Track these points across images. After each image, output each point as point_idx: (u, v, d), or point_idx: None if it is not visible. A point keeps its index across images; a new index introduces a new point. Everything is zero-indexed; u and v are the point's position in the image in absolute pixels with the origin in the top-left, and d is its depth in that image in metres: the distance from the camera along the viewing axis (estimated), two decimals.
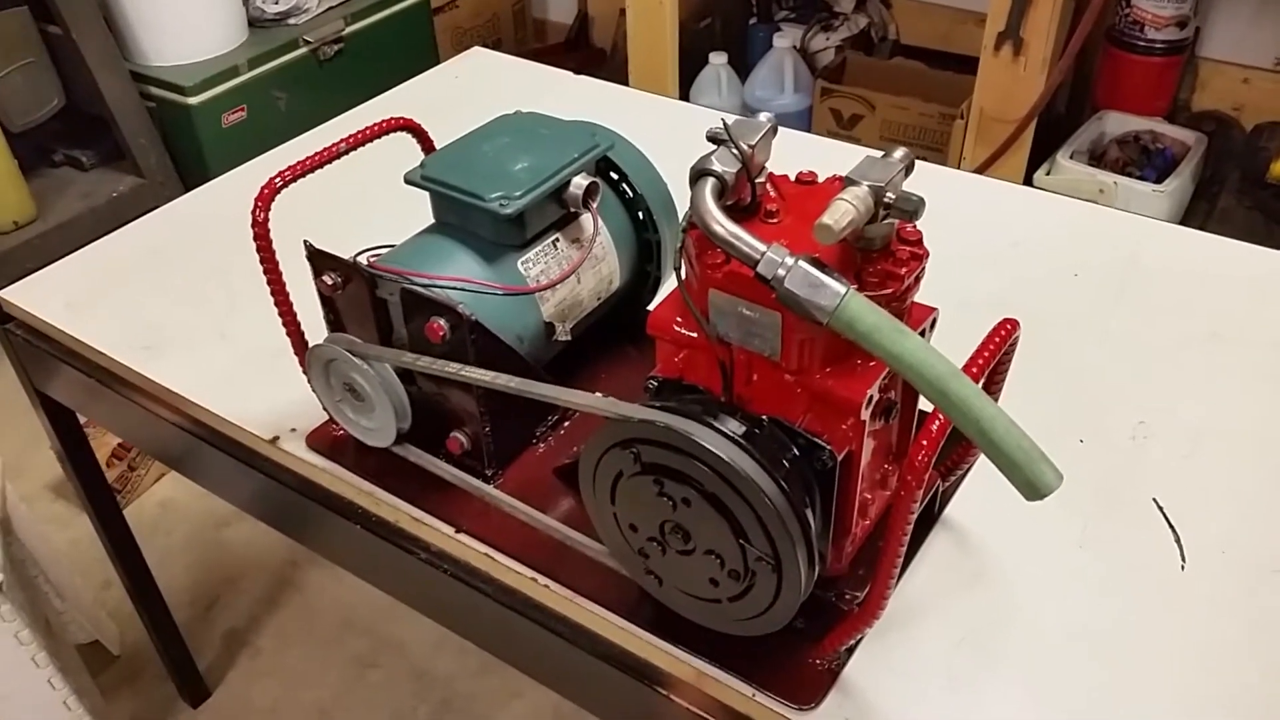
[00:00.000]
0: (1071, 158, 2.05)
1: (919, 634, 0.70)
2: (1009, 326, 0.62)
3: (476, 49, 1.54)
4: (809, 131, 2.29)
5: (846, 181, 0.55)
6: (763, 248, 0.53)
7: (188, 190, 2.07)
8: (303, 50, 2.17)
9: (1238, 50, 2.20)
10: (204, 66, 2.05)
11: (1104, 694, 0.66)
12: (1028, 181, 2.03)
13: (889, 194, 0.55)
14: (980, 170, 1.98)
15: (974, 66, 2.11)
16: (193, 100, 2.02)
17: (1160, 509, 0.78)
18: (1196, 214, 2.05)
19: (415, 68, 2.54)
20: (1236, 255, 1.07)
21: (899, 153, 0.58)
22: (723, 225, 0.54)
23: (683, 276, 0.61)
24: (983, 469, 0.74)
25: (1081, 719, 0.65)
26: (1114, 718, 0.65)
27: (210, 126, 2.06)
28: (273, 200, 0.74)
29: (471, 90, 1.44)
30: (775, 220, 0.60)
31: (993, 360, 0.61)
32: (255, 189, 0.74)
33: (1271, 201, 1.88)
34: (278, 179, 0.74)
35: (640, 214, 0.87)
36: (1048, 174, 2.03)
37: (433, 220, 0.81)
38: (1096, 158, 2.10)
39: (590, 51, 2.89)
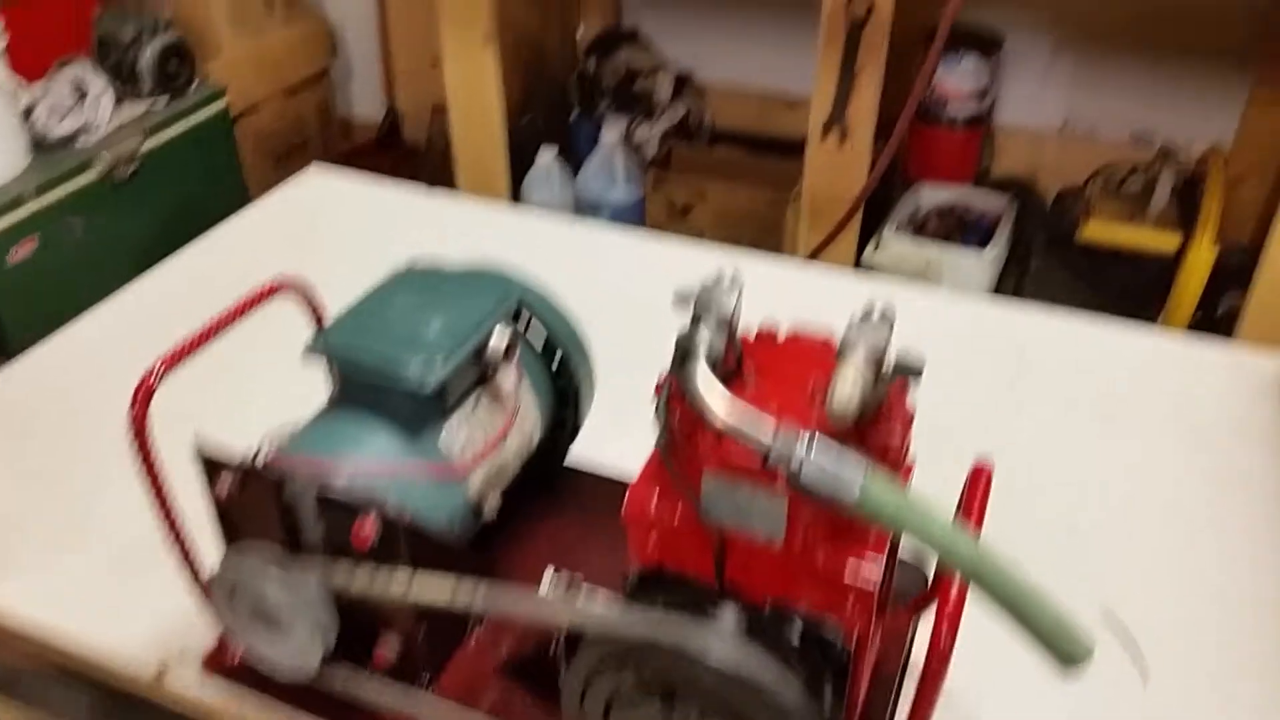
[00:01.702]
0: (896, 231, 2.14)
1: None
2: (987, 478, 0.61)
3: (314, 166, 1.44)
4: (643, 222, 2.30)
5: (840, 352, 0.52)
6: (770, 436, 0.48)
7: None
8: (96, 172, 1.99)
9: (1029, 115, 2.37)
10: None
11: None
12: (859, 258, 2.10)
13: (888, 359, 0.52)
14: (815, 253, 2.02)
15: (790, 148, 2.18)
16: None
17: (1111, 619, 0.78)
18: (1009, 276, 2.17)
19: (219, 180, 2.39)
20: (1094, 329, 1.11)
21: (878, 308, 0.55)
22: (726, 413, 0.49)
23: (664, 451, 0.56)
24: None
25: None
26: None
27: None
28: (151, 397, 0.63)
29: (319, 217, 1.34)
30: (744, 379, 0.56)
31: (983, 516, 0.59)
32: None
33: (1082, 261, 2.02)
34: (155, 372, 0.64)
35: (553, 359, 0.81)
36: (876, 249, 2.10)
37: (333, 391, 0.72)
38: (919, 228, 2.19)
39: (403, 149, 2.81)
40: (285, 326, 0.73)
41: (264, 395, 0.74)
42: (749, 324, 0.60)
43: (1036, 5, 2.26)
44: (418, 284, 0.76)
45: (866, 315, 0.54)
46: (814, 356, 0.57)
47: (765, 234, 2.24)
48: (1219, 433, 0.97)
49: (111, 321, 1.06)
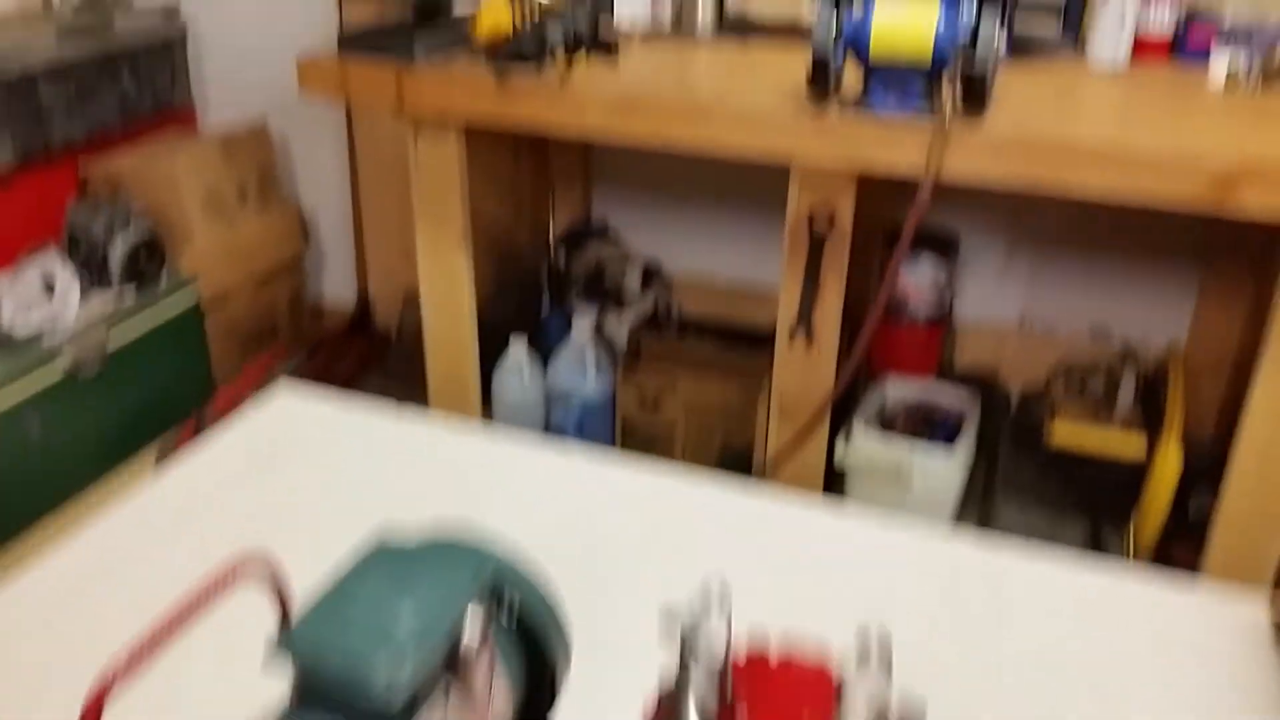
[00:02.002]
0: (865, 426, 2.15)
1: None
2: None
3: (282, 384, 1.42)
4: (614, 414, 2.30)
5: (839, 697, 0.50)
6: None
7: None
8: (59, 369, 1.97)
9: (987, 311, 2.43)
10: None
11: None
12: (830, 451, 2.10)
13: (892, 708, 0.50)
14: (786, 451, 2.02)
15: (758, 339, 2.21)
16: None
17: None
18: (978, 474, 2.18)
19: (186, 372, 2.37)
20: (1070, 573, 1.10)
21: (874, 642, 0.53)
22: None
23: None
24: None
25: None
26: None
27: None
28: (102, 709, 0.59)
29: (284, 445, 1.30)
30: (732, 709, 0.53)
31: None
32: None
33: (1051, 464, 2.03)
34: (109, 683, 0.60)
35: (529, 638, 0.78)
36: (847, 447, 2.10)
37: (294, 683, 0.68)
38: (886, 424, 2.21)
39: (374, 337, 2.82)
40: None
41: (217, 670, 0.70)
42: (738, 631, 0.58)
43: (990, 207, 2.35)
44: (386, 565, 0.73)
45: (863, 659, 0.52)
46: (809, 689, 0.55)
47: (737, 425, 2.25)
48: (1214, 692, 0.94)
49: (60, 573, 1.01)
